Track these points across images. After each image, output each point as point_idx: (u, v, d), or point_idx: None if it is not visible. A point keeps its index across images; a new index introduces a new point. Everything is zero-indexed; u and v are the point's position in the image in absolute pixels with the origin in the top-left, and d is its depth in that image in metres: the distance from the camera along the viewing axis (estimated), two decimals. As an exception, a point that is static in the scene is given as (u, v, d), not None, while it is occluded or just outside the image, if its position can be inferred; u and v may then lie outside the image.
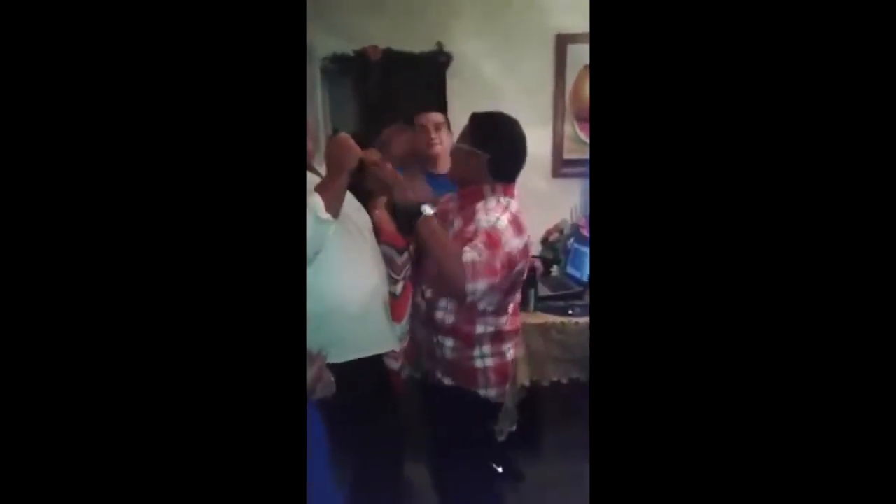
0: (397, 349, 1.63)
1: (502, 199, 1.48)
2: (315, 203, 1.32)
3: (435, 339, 1.53)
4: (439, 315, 1.51)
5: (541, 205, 2.46)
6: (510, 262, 1.41)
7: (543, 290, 2.36)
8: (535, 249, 2.47)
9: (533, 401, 2.30)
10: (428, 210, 1.36)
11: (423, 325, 1.57)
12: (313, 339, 1.04)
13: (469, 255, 1.30)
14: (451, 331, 1.50)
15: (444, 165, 2.25)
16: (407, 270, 1.87)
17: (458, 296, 1.37)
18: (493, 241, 1.36)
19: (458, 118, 2.33)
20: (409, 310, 1.84)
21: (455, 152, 1.56)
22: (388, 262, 1.79)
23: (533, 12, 2.90)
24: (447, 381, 1.54)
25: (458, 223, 1.51)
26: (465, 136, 1.52)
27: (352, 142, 1.43)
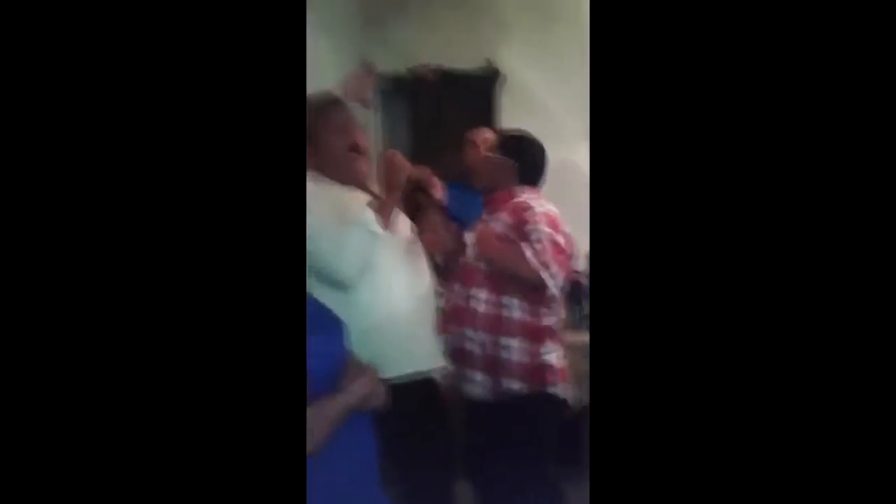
0: (444, 365, 1.61)
1: (536, 194, 1.62)
2: (366, 217, 1.35)
3: (499, 342, 1.53)
4: (505, 313, 1.53)
5: (587, 221, 2.43)
6: (569, 244, 1.53)
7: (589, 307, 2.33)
8: (581, 264, 2.44)
9: (578, 421, 2.26)
10: (468, 240, 1.48)
11: (485, 331, 1.56)
12: (362, 353, 1.05)
13: (528, 250, 1.43)
14: (520, 329, 1.53)
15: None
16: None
17: (540, 288, 1.47)
18: (553, 221, 1.51)
19: (508, 134, 2.34)
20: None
21: (484, 161, 1.74)
22: (436, 276, 1.80)
23: (582, 29, 2.89)
24: (516, 386, 1.53)
25: (505, 219, 1.57)
26: (493, 148, 1.72)
27: (402, 158, 1.47)
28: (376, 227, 1.35)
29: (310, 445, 0.81)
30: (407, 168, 1.46)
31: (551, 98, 2.96)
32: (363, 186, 1.53)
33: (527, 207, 1.54)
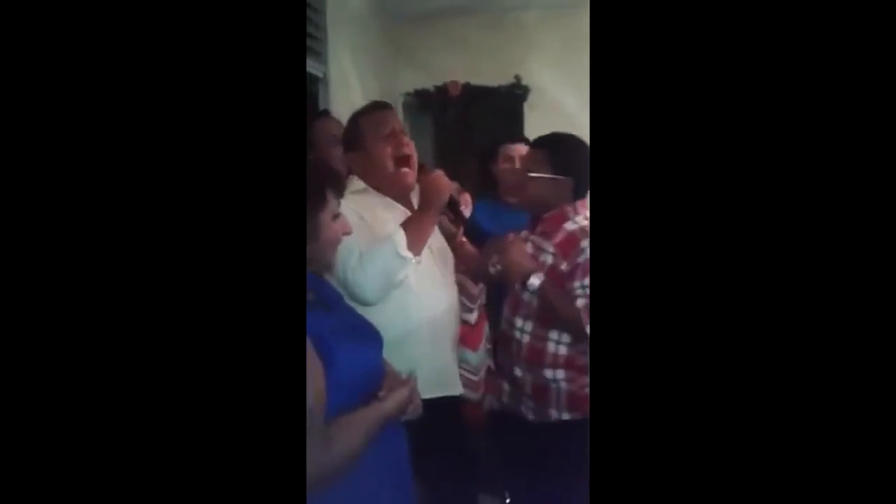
0: (460, 393, 1.54)
1: (585, 218, 1.46)
2: (397, 239, 1.29)
3: (550, 374, 1.46)
4: (551, 347, 1.45)
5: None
6: None
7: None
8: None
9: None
10: (535, 282, 1.37)
11: (528, 362, 1.48)
12: (399, 367, 1.06)
13: (581, 301, 1.35)
14: (566, 362, 1.44)
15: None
16: (482, 299, 1.88)
17: (580, 332, 1.39)
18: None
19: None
20: (484, 339, 1.84)
21: (533, 182, 1.50)
22: (463, 290, 1.80)
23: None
24: (565, 416, 1.45)
25: (556, 252, 1.44)
26: (540, 162, 1.49)
27: (445, 179, 1.40)
28: (406, 252, 1.29)
29: (348, 453, 0.83)
30: (450, 189, 1.40)
31: (580, 113, 2.98)
32: (404, 200, 1.50)
33: (578, 246, 1.40)
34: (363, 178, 1.48)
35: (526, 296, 1.45)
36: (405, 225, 1.34)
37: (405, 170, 1.45)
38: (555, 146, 1.51)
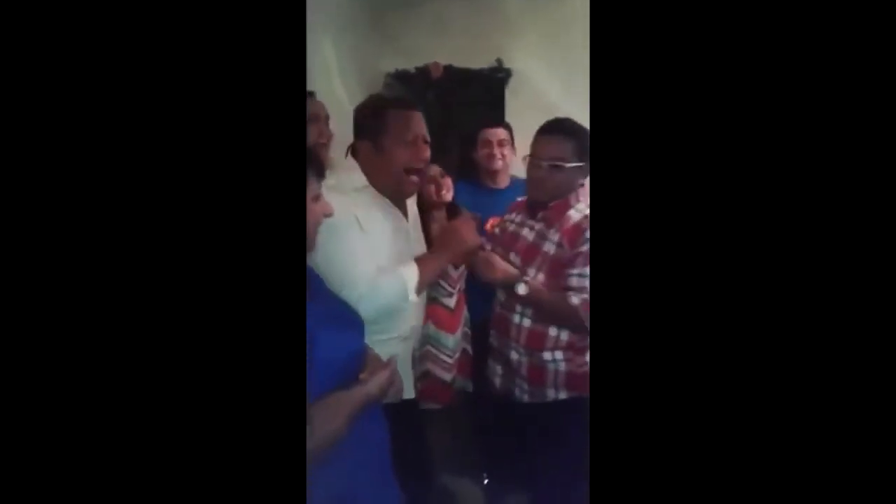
0: (412, 397, 1.53)
1: (587, 206, 1.45)
2: (409, 279, 1.30)
3: (549, 356, 1.47)
4: (553, 332, 1.46)
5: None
6: None
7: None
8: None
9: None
10: (522, 290, 1.37)
11: (528, 346, 1.49)
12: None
13: (574, 298, 1.34)
14: (566, 346, 1.46)
15: (504, 181, 2.26)
16: (462, 284, 1.89)
17: (580, 328, 1.39)
18: None
19: (517, 133, 2.35)
20: (462, 323, 1.85)
21: (548, 172, 1.45)
22: (443, 274, 1.80)
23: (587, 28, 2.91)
24: (562, 395, 1.46)
25: (560, 241, 1.44)
26: (555, 150, 1.45)
27: (474, 232, 1.38)
28: (412, 295, 1.30)
29: (330, 434, 0.84)
30: (478, 240, 1.38)
31: (562, 98, 2.98)
32: (400, 203, 1.48)
33: (583, 235, 1.39)
34: (366, 170, 1.45)
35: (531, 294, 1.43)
36: (420, 265, 1.33)
37: (413, 178, 1.42)
38: (565, 132, 1.47)
